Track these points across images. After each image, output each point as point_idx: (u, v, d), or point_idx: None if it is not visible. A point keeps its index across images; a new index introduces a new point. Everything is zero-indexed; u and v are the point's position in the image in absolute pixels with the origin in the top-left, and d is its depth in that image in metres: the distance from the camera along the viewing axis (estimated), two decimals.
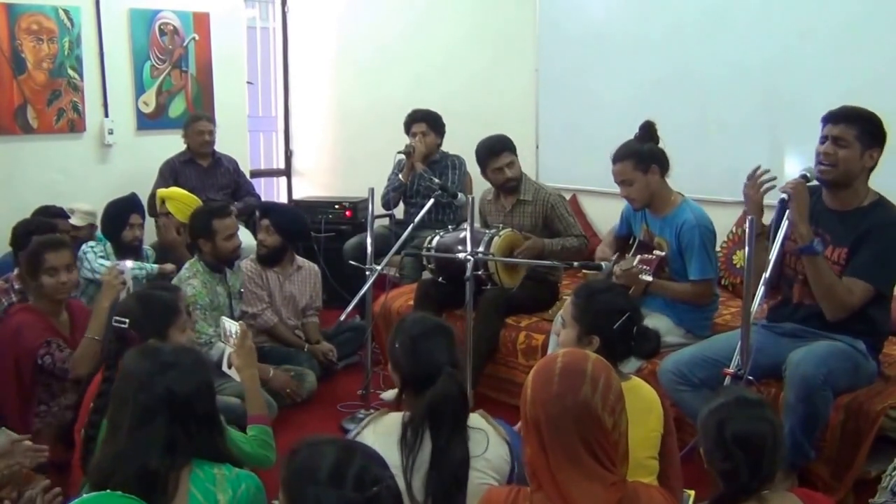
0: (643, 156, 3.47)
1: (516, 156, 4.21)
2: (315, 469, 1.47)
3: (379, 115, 5.97)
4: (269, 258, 4.36)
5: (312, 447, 1.52)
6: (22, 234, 3.76)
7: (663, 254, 3.47)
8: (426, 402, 2.03)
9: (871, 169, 2.94)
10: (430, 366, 2.08)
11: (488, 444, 2.06)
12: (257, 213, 5.21)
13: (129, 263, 3.96)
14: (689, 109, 4.77)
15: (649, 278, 3.37)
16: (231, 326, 2.87)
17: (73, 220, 4.45)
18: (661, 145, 3.58)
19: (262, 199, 5.81)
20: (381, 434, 2.05)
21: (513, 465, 2.09)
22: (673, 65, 4.86)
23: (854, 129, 2.87)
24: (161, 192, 4.81)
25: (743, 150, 4.62)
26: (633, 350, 2.37)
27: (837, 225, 2.98)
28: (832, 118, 2.93)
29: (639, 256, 3.47)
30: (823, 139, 2.93)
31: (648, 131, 3.56)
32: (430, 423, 2.02)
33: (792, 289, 3.11)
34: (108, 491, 1.77)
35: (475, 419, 2.13)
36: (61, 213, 4.38)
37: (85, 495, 1.79)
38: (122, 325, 2.55)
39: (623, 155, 3.50)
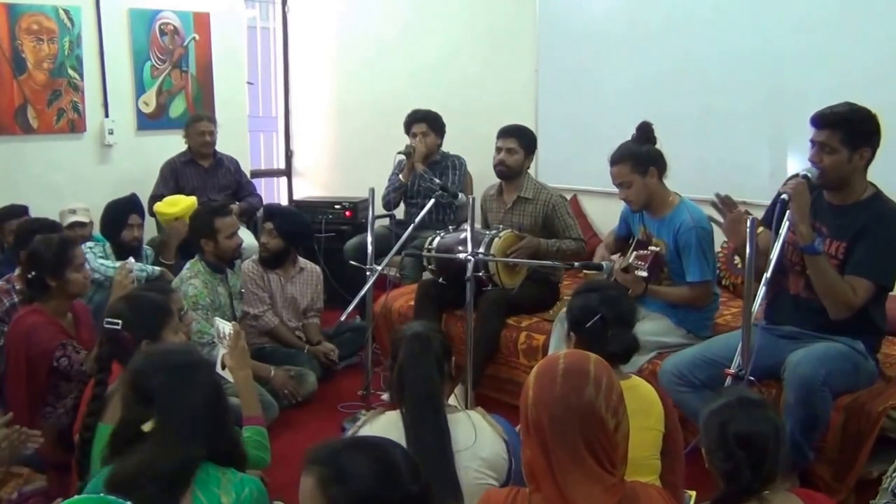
0: (641, 158, 3.47)
1: (525, 153, 4.21)
2: (372, 474, 1.36)
3: (379, 115, 5.98)
4: (271, 261, 4.36)
5: (346, 457, 1.39)
6: (24, 232, 3.75)
7: (658, 249, 3.47)
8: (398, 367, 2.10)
9: (867, 164, 2.92)
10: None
11: (476, 438, 2.05)
12: (259, 215, 5.22)
13: (132, 260, 3.97)
14: (690, 107, 4.77)
15: (644, 274, 3.37)
16: (224, 327, 2.85)
17: (79, 218, 4.44)
18: (659, 145, 3.58)
19: (263, 199, 5.80)
20: (378, 433, 2.06)
21: (510, 462, 2.09)
22: (673, 63, 4.86)
23: (838, 133, 2.85)
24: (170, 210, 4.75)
25: (745, 148, 4.62)
26: (605, 352, 2.32)
27: (836, 219, 2.98)
28: (816, 123, 2.91)
29: (634, 254, 3.48)
30: (812, 143, 2.93)
31: (645, 132, 3.56)
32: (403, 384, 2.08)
33: (787, 279, 3.09)
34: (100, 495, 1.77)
35: (471, 415, 2.14)
36: (26, 212, 4.40)
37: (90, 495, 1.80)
38: (115, 327, 2.52)
39: (621, 157, 3.50)
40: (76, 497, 1.77)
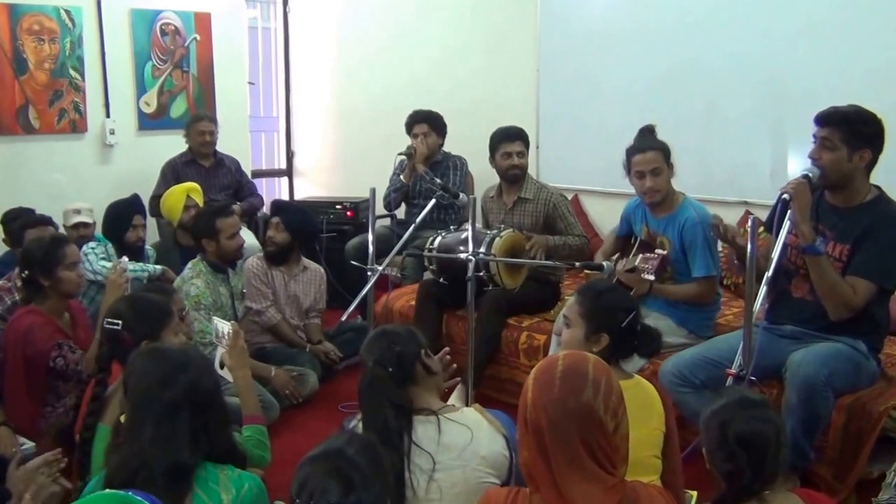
0: (668, 152, 3.53)
1: (528, 152, 4.27)
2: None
3: (380, 115, 5.98)
4: (276, 256, 4.36)
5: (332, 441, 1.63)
6: (19, 229, 3.74)
7: (665, 252, 3.47)
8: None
9: (869, 167, 2.92)
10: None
11: (473, 436, 2.05)
12: (264, 211, 5.23)
13: (125, 259, 3.96)
14: (691, 107, 4.77)
15: (651, 277, 3.37)
16: (223, 327, 2.85)
17: (83, 218, 4.44)
18: None
19: (264, 199, 5.81)
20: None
21: (511, 458, 2.09)
22: (674, 63, 4.86)
23: (840, 131, 2.85)
24: (182, 187, 4.83)
25: (746, 149, 4.63)
26: (637, 348, 2.40)
27: (839, 221, 2.97)
28: (819, 120, 2.92)
29: (640, 256, 3.47)
30: (814, 139, 2.94)
31: (650, 135, 3.59)
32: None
33: (791, 283, 3.10)
34: (113, 490, 1.77)
35: (468, 413, 2.13)
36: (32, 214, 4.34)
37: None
38: (115, 328, 2.52)
39: (653, 146, 3.53)
40: (96, 494, 1.77)
